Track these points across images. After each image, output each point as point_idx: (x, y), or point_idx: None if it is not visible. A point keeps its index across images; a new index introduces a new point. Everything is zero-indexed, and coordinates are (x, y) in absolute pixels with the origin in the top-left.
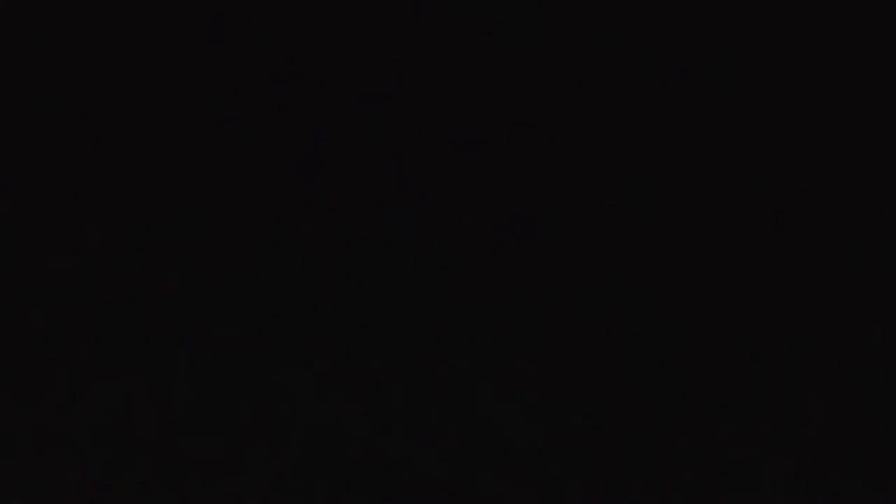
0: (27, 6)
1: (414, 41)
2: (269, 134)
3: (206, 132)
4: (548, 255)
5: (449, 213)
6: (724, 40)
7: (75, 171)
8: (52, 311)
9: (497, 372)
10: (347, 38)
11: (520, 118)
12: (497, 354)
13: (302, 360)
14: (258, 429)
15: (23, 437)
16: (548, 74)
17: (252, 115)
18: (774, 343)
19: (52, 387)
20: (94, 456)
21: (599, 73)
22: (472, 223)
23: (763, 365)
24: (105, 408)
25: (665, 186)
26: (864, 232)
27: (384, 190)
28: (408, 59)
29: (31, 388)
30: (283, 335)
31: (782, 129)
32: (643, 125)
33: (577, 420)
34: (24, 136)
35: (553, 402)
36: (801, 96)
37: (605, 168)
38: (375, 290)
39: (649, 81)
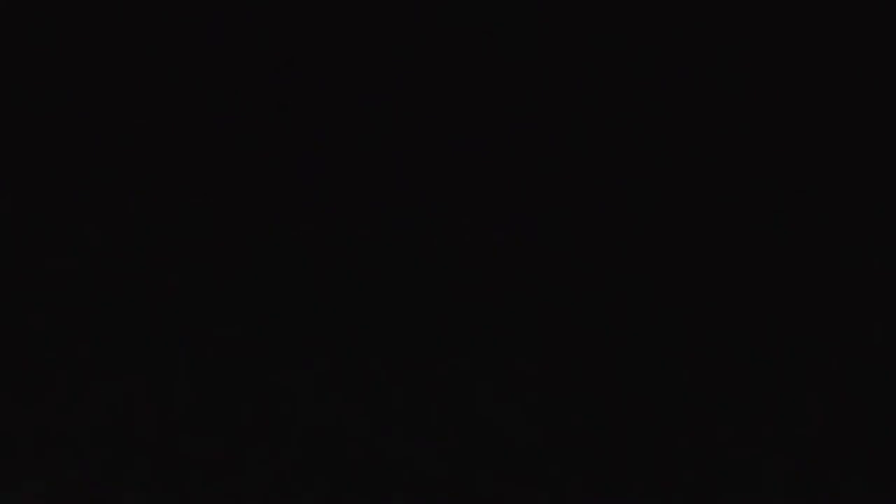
0: (27, 6)
1: (414, 41)
2: (269, 134)
3: (206, 132)
4: (548, 255)
5: (449, 213)
6: (724, 40)
7: (75, 171)
8: (52, 311)
9: (497, 372)
10: (347, 38)
11: (520, 118)
12: (497, 354)
13: (302, 360)
14: (258, 429)
15: (23, 437)
16: (548, 74)
17: (252, 115)
18: (774, 343)
19: (52, 387)
20: (94, 456)
21: (599, 73)
22: (472, 223)
23: (763, 365)
24: (105, 408)
25: (665, 186)
26: (864, 232)
27: (384, 190)
28: (408, 59)
29: (31, 388)
30: (283, 335)
31: (782, 129)
32: (643, 125)
33: (577, 420)
34: (24, 136)
35: (553, 402)
36: (801, 96)
37: (605, 168)
38: (375, 290)
39: (649, 81)
